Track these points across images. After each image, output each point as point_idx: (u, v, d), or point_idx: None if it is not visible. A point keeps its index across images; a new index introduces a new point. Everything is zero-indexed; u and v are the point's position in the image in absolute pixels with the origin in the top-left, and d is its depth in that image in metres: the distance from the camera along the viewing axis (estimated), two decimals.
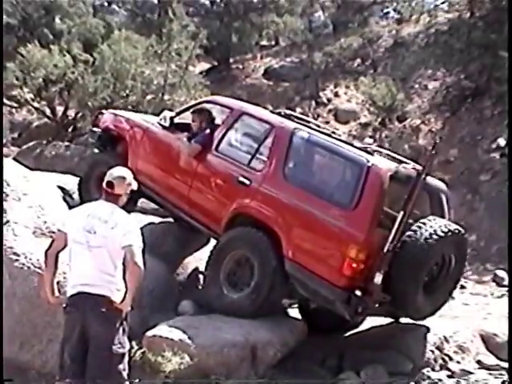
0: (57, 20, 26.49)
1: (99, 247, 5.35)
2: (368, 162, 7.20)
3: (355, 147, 7.59)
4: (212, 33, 26.57)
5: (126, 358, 5.52)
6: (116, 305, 5.32)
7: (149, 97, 21.85)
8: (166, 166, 8.79)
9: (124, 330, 5.47)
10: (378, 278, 6.84)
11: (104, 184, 5.57)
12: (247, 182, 7.81)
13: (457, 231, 7.36)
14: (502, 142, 17.83)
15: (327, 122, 23.80)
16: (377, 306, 7.12)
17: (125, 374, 5.47)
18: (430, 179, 7.65)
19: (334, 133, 8.65)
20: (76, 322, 5.38)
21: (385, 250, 6.88)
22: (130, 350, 5.69)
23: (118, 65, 21.47)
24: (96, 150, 9.82)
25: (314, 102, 24.77)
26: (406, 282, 7.03)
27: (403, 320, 8.48)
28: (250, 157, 8.02)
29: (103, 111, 10.22)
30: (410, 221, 7.13)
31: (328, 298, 7.12)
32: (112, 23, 27.27)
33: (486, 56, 19.52)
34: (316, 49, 27.05)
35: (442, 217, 7.77)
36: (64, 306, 5.50)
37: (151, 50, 23.10)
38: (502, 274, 13.00)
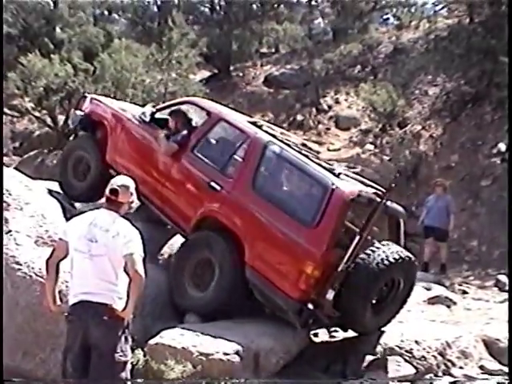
0: (57, 29, 26.63)
1: (101, 256, 5.36)
2: (333, 184, 7.48)
3: (323, 167, 7.85)
4: (212, 41, 26.67)
5: (129, 367, 5.53)
6: (118, 313, 5.33)
7: None
8: (142, 159, 8.93)
9: (126, 339, 5.48)
10: (330, 295, 7.21)
11: (107, 191, 5.60)
12: (218, 187, 8.05)
13: (407, 258, 7.68)
14: (502, 147, 17.83)
15: (328, 129, 23.89)
16: (326, 319, 7.45)
17: (128, 383, 5.48)
18: (390, 204, 7.93)
19: (305, 145, 8.98)
20: (78, 331, 5.38)
21: (339, 269, 7.23)
22: (133, 358, 5.69)
23: (118, 73, 21.55)
24: (82, 132, 9.86)
25: (314, 109, 24.82)
26: (355, 301, 7.39)
27: (405, 325, 8.52)
28: (223, 163, 8.26)
29: (86, 95, 10.36)
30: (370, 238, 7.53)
31: (282, 308, 7.45)
32: (112, 32, 27.37)
33: (486, 61, 19.54)
34: (316, 56, 27.11)
35: (398, 239, 8.20)
36: (66, 314, 5.51)
37: (151, 59, 23.19)
38: (504, 278, 12.97)
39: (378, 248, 7.48)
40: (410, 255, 7.78)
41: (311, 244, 7.33)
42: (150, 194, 8.67)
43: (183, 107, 9.09)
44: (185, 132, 8.65)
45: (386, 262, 7.38)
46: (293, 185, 8.13)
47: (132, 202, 5.75)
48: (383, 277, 7.50)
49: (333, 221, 7.36)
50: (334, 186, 7.45)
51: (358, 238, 7.27)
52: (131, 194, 5.65)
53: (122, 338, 5.42)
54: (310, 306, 7.21)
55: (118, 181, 5.67)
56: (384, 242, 7.66)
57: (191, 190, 8.35)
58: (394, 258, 7.47)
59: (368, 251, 7.41)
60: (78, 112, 9.87)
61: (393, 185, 7.55)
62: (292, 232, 7.45)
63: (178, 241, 9.41)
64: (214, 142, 8.64)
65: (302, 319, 7.31)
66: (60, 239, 5.68)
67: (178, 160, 8.53)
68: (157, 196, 8.64)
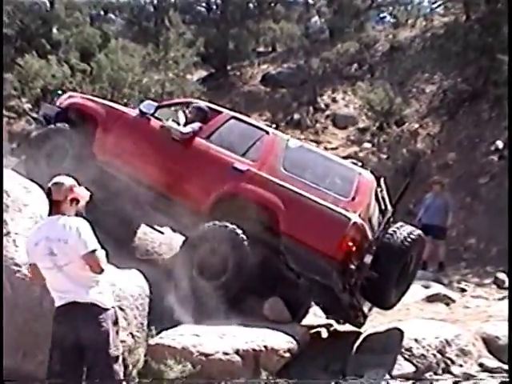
0: (54, 30, 26.61)
1: (67, 264, 5.35)
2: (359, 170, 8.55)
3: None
4: (209, 40, 26.66)
5: (121, 359, 5.56)
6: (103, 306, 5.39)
7: None
8: (145, 148, 9.05)
9: (116, 333, 5.52)
10: (368, 258, 8.05)
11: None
12: (243, 168, 8.50)
13: (420, 237, 8.64)
14: (500, 144, 17.88)
15: (325, 128, 23.90)
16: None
17: (121, 374, 5.51)
18: None
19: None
20: (67, 331, 5.38)
21: (375, 236, 8.33)
22: (132, 358, 5.69)
23: (115, 74, 21.56)
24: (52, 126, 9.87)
25: (311, 108, 24.82)
26: (388, 266, 8.23)
27: (404, 324, 8.55)
28: (243, 150, 8.74)
29: (59, 92, 10.48)
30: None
31: (325, 269, 7.90)
32: (109, 32, 27.36)
33: (483, 59, 19.59)
34: (313, 54, 27.11)
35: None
36: (54, 316, 5.51)
37: (148, 59, 23.21)
38: (503, 276, 12.98)
39: (397, 228, 8.42)
40: (422, 234, 8.68)
41: (351, 212, 8.01)
42: (153, 181, 8.79)
43: (201, 103, 9.63)
44: (199, 123, 8.99)
45: (408, 240, 8.32)
46: (321, 168, 8.62)
47: (76, 200, 5.64)
48: (407, 254, 8.40)
49: (365, 195, 8.27)
50: (360, 171, 8.45)
51: (392, 209, 8.76)
52: (68, 189, 5.57)
53: (113, 333, 5.44)
54: (352, 267, 7.87)
55: (52, 180, 5.64)
56: (399, 224, 8.59)
57: (209, 173, 8.64)
58: (414, 236, 8.38)
59: (391, 231, 8.37)
60: (50, 105, 10.11)
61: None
62: (330, 203, 8.10)
63: (176, 240, 9.45)
64: (227, 134, 8.94)
65: (344, 279, 7.91)
66: (30, 265, 5.64)
67: (192, 146, 8.84)
68: (162, 182, 8.77)
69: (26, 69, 21.84)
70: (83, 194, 5.76)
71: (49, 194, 5.58)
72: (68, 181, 5.64)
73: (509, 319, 8.64)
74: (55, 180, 5.63)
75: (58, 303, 5.48)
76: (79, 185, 5.75)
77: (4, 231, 7.37)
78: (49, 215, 5.60)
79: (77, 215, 5.58)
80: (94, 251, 5.35)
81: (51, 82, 21.63)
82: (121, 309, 7.09)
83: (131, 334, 7.10)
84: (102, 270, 5.40)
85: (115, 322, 5.52)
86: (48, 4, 28.52)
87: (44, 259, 5.42)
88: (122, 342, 6.88)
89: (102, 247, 5.47)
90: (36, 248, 5.47)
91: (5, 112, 23.00)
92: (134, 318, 7.19)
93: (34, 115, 22.26)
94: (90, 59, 23.12)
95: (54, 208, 5.54)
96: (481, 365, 8.11)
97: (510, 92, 15.82)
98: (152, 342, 7.05)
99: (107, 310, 5.44)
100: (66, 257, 5.35)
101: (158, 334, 7.19)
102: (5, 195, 7.68)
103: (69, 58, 23.39)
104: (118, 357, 5.48)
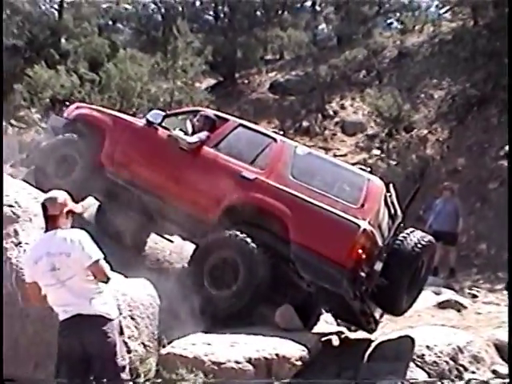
0: (63, 40, 26.74)
1: (70, 278, 5.36)
2: (368, 176, 8.52)
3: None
4: (217, 48, 26.67)
5: (127, 368, 5.57)
6: (108, 316, 5.38)
7: None
8: (153, 158, 9.13)
9: (122, 343, 5.56)
10: (378, 266, 8.07)
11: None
12: (251, 177, 8.48)
13: (431, 242, 8.62)
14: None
15: (334, 135, 23.89)
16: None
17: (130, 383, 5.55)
18: None
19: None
20: (73, 345, 5.38)
21: (385, 242, 8.31)
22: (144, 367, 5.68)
23: (124, 83, 21.63)
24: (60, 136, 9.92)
25: (320, 115, 24.82)
26: (399, 272, 8.21)
27: (416, 331, 8.52)
28: (251, 158, 8.73)
29: (67, 103, 10.53)
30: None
31: (335, 277, 7.88)
32: (117, 42, 27.46)
33: (491, 64, 19.56)
34: (321, 61, 27.11)
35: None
36: (59, 330, 5.51)
37: (157, 68, 23.26)
38: None
39: (408, 234, 8.42)
40: (433, 239, 8.68)
41: (360, 219, 7.99)
42: (160, 189, 8.83)
43: (208, 111, 9.67)
44: (206, 132, 9.00)
45: (419, 245, 8.30)
46: (329, 175, 8.63)
47: (71, 212, 5.63)
48: (418, 259, 8.40)
49: (374, 202, 8.26)
50: (369, 177, 8.44)
51: (401, 215, 8.74)
52: (62, 204, 5.55)
53: (119, 343, 5.47)
54: (363, 274, 7.83)
55: (46, 195, 5.67)
56: (409, 230, 8.57)
57: (218, 182, 8.62)
58: (424, 242, 8.38)
59: (401, 237, 8.36)
60: (58, 117, 10.26)
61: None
62: (340, 210, 8.08)
63: (186, 249, 9.45)
64: (235, 142, 8.96)
65: (355, 287, 7.86)
66: (29, 284, 5.59)
67: (200, 155, 8.83)
68: (170, 191, 8.79)
69: (36, 79, 21.92)
70: (77, 207, 5.79)
71: (44, 209, 5.56)
72: (61, 194, 5.65)
73: (509, 323, 8.62)
74: (48, 195, 5.65)
75: (62, 317, 5.48)
76: (84, 197, 5.79)
77: (15, 241, 7.40)
78: (45, 231, 5.59)
79: (73, 227, 5.59)
80: (98, 260, 5.38)
81: (60, 92, 21.70)
82: (132, 318, 7.12)
83: (143, 343, 7.11)
84: (108, 279, 5.43)
85: (120, 332, 5.56)
86: (56, 14, 28.65)
87: (46, 276, 5.40)
88: (134, 351, 6.93)
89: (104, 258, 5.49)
90: (36, 266, 5.45)
91: (14, 122, 23.12)
92: (146, 327, 7.20)
93: (44, 125, 22.47)
94: (98, 69, 23.20)
95: (51, 223, 5.53)
96: (494, 371, 8.06)
97: (510, 98, 15.79)
98: (163, 351, 7.04)
99: (112, 320, 5.45)
100: (70, 270, 5.35)
101: (169, 343, 7.18)
102: (15, 205, 7.71)
103: (77, 67, 23.47)
104: (125, 366, 5.50)
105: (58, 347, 5.55)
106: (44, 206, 5.56)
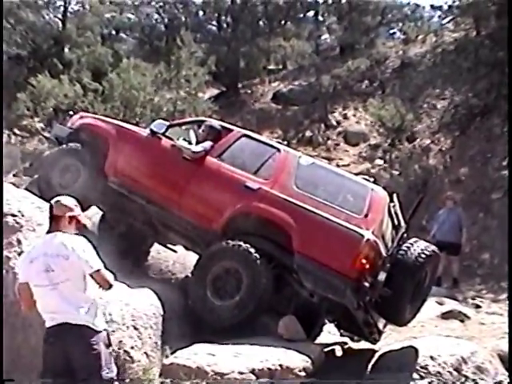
0: (66, 50, 26.84)
1: (63, 282, 5.32)
2: (372, 186, 8.53)
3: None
4: (220, 58, 26.75)
5: (116, 382, 5.52)
6: (95, 328, 5.36)
7: None
8: (157, 168, 9.13)
9: (109, 354, 5.48)
10: (382, 276, 8.03)
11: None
12: (255, 187, 8.46)
13: (435, 253, 8.59)
14: None
15: (337, 145, 23.91)
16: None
17: None
18: None
19: None
20: (58, 353, 5.34)
21: (389, 252, 8.27)
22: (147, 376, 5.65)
23: (127, 93, 21.67)
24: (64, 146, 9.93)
25: (323, 125, 24.86)
26: (403, 282, 8.19)
27: (420, 341, 8.50)
28: (255, 168, 8.71)
29: (71, 112, 10.56)
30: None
31: (338, 287, 7.88)
32: (120, 51, 27.56)
33: (494, 74, 19.55)
34: (324, 72, 27.17)
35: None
36: (44, 338, 5.47)
37: (160, 78, 23.30)
38: None
39: (411, 244, 8.39)
40: (436, 249, 8.63)
41: (364, 229, 7.96)
42: (163, 199, 8.83)
43: (213, 121, 9.66)
44: (210, 142, 8.99)
45: (423, 255, 8.27)
46: (333, 185, 8.62)
47: (76, 220, 5.62)
48: (422, 270, 8.37)
49: (378, 212, 8.25)
50: (373, 187, 8.44)
51: (405, 225, 8.78)
52: (68, 207, 5.56)
53: (105, 355, 5.39)
54: (367, 284, 7.83)
55: (55, 198, 5.65)
56: (412, 239, 8.55)
57: (221, 192, 8.65)
58: (428, 252, 8.34)
59: (404, 247, 8.34)
60: (62, 126, 10.27)
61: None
62: (343, 220, 8.07)
63: (189, 259, 9.44)
64: (238, 152, 8.96)
65: (359, 297, 7.86)
66: (20, 284, 5.57)
67: (203, 165, 8.82)
68: (173, 201, 8.78)
69: (39, 89, 21.99)
70: (83, 217, 5.79)
71: (50, 211, 5.58)
72: (69, 199, 5.67)
73: (509, 331, 8.60)
74: (57, 198, 5.66)
75: (48, 324, 5.43)
76: (88, 207, 5.77)
77: (18, 250, 7.40)
78: (47, 233, 5.59)
79: (77, 235, 5.58)
80: (99, 269, 5.36)
81: (63, 101, 21.77)
82: (135, 328, 7.11)
83: (146, 353, 7.09)
84: (110, 286, 5.42)
85: (108, 345, 5.47)
86: (60, 24, 28.76)
87: (39, 276, 5.37)
88: (137, 361, 6.92)
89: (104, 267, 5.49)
90: (31, 265, 5.43)
91: (18, 131, 23.21)
92: (149, 337, 7.19)
93: (47, 135, 22.52)
94: (101, 78, 23.26)
95: (54, 224, 5.53)
96: (498, 383, 8.03)
97: (510, 108, 15.79)
98: (167, 361, 7.02)
99: (99, 332, 5.39)
100: (64, 273, 5.32)
101: (172, 353, 7.16)
102: (18, 215, 7.73)
103: (81, 77, 23.55)
104: (112, 378, 5.43)
105: (42, 355, 5.50)
106: (51, 207, 5.57)
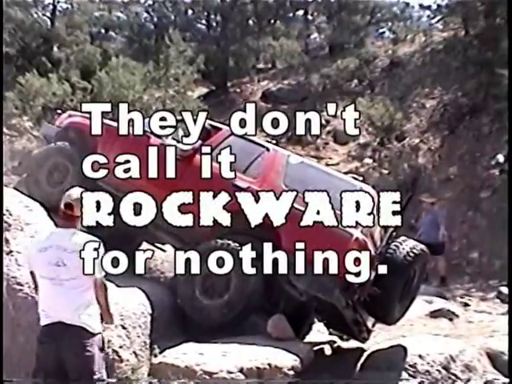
0: (55, 48, 26.77)
1: (72, 279, 5.29)
2: (360, 185, 8.52)
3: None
4: (209, 57, 26.74)
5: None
6: (92, 330, 5.33)
7: None
8: (146, 166, 9.01)
9: (102, 358, 5.45)
10: (371, 275, 7.79)
11: (62, 206, 5.49)
12: (244, 185, 8.45)
13: (423, 251, 8.63)
14: (501, 158, 17.87)
15: (326, 144, 23.91)
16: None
17: None
18: None
19: None
20: (50, 353, 5.32)
21: (378, 251, 8.25)
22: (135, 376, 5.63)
23: (116, 91, 21.60)
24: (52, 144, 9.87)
25: None
26: (391, 281, 8.05)
27: (408, 340, 8.52)
28: (244, 167, 8.68)
29: (59, 111, 10.51)
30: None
31: (327, 286, 7.80)
32: (109, 50, 27.47)
33: (483, 73, 19.64)
34: (313, 71, 27.22)
35: None
36: (38, 336, 5.45)
37: (149, 76, 23.26)
38: (506, 290, 12.93)
39: (400, 243, 8.39)
40: (425, 248, 8.68)
41: (353, 228, 7.87)
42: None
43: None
44: (199, 141, 8.92)
45: (411, 254, 8.31)
46: (322, 184, 8.40)
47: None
48: (410, 268, 8.39)
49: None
50: (360, 185, 8.47)
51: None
52: (81, 205, 5.52)
53: (98, 358, 5.37)
54: (355, 283, 7.70)
55: (72, 194, 5.54)
56: (402, 238, 8.53)
57: (210, 190, 8.50)
58: (417, 251, 8.40)
59: (393, 246, 8.33)
60: (50, 125, 10.25)
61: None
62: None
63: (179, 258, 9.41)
64: (227, 151, 8.80)
65: (347, 296, 7.84)
66: (31, 272, 5.57)
67: (192, 163, 8.80)
68: (161, 199, 8.69)
69: (27, 87, 21.91)
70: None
71: (67, 207, 5.45)
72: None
73: (509, 331, 8.62)
74: (76, 195, 5.53)
75: (43, 322, 5.40)
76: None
77: (6, 250, 7.36)
78: (57, 227, 5.55)
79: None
80: (102, 278, 5.37)
81: (52, 100, 21.69)
82: (123, 327, 7.08)
83: (134, 352, 7.07)
84: (104, 285, 5.44)
85: (102, 348, 5.45)
86: (49, 22, 28.68)
87: (47, 268, 5.32)
88: (125, 360, 6.90)
89: None
90: (39, 254, 5.38)
91: (6, 130, 23.05)
92: (137, 336, 7.17)
93: (35, 133, 22.41)
94: (90, 77, 23.19)
95: (69, 222, 5.45)
96: (487, 382, 8.05)
97: (510, 106, 15.85)
98: (155, 360, 7.00)
99: (95, 334, 5.37)
100: (75, 271, 5.26)
101: (161, 352, 7.14)
102: (6, 214, 7.68)
103: (69, 76, 23.47)
104: (103, 381, 5.42)
105: (36, 354, 5.48)
106: (70, 205, 5.45)
